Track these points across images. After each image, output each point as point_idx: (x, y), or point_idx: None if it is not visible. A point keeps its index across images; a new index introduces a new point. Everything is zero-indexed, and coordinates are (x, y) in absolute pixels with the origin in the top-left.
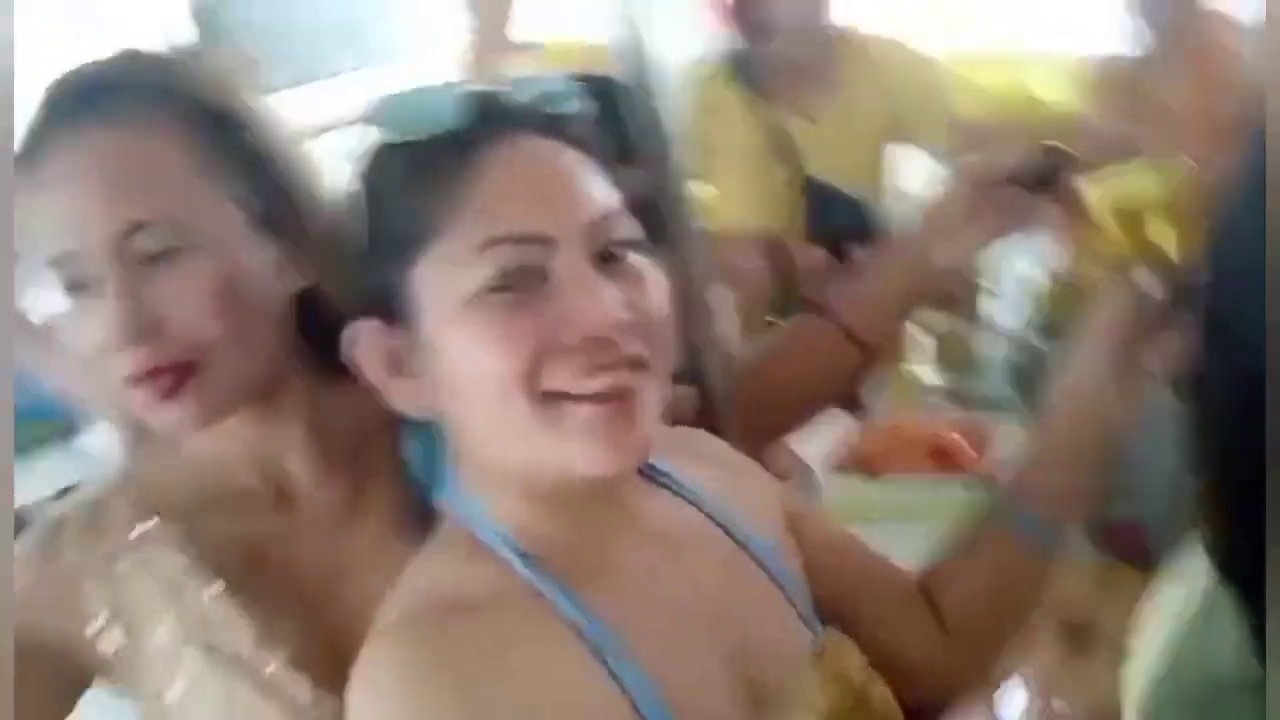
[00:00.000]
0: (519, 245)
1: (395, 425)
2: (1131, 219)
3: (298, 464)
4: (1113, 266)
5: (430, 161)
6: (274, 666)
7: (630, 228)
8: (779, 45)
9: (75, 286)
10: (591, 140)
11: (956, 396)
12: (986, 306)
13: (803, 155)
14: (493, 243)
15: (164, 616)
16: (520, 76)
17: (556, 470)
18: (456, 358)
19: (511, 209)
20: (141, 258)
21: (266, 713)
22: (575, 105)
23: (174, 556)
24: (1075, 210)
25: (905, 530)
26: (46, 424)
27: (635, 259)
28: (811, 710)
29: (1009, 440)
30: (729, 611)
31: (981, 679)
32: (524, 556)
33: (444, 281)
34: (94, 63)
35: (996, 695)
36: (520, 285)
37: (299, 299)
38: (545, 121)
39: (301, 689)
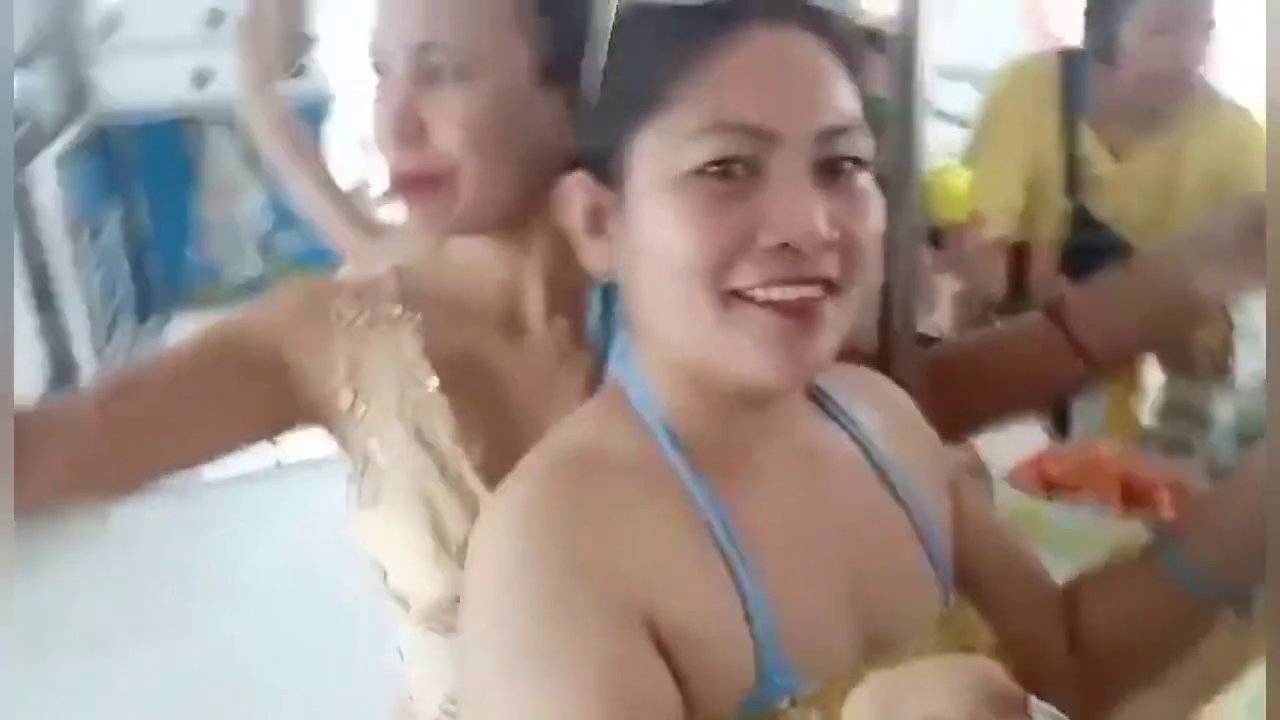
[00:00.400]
0: (742, 135)
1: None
2: None
3: (533, 298)
4: None
5: (681, 30)
6: (464, 465)
7: (863, 145)
8: (1135, 83)
9: (381, 74)
10: (849, 44)
11: (1174, 448)
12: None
13: (1092, 189)
14: (718, 127)
15: (389, 393)
16: None
17: (723, 370)
18: (653, 232)
19: (745, 97)
20: (428, 72)
21: (448, 501)
22: (841, 2)
23: (415, 342)
24: None
25: (1066, 558)
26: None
27: (859, 179)
28: None
29: None
30: (862, 549)
31: (1093, 714)
32: (673, 438)
33: (661, 154)
34: None
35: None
36: (734, 176)
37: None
38: (806, 14)
39: (480, 490)
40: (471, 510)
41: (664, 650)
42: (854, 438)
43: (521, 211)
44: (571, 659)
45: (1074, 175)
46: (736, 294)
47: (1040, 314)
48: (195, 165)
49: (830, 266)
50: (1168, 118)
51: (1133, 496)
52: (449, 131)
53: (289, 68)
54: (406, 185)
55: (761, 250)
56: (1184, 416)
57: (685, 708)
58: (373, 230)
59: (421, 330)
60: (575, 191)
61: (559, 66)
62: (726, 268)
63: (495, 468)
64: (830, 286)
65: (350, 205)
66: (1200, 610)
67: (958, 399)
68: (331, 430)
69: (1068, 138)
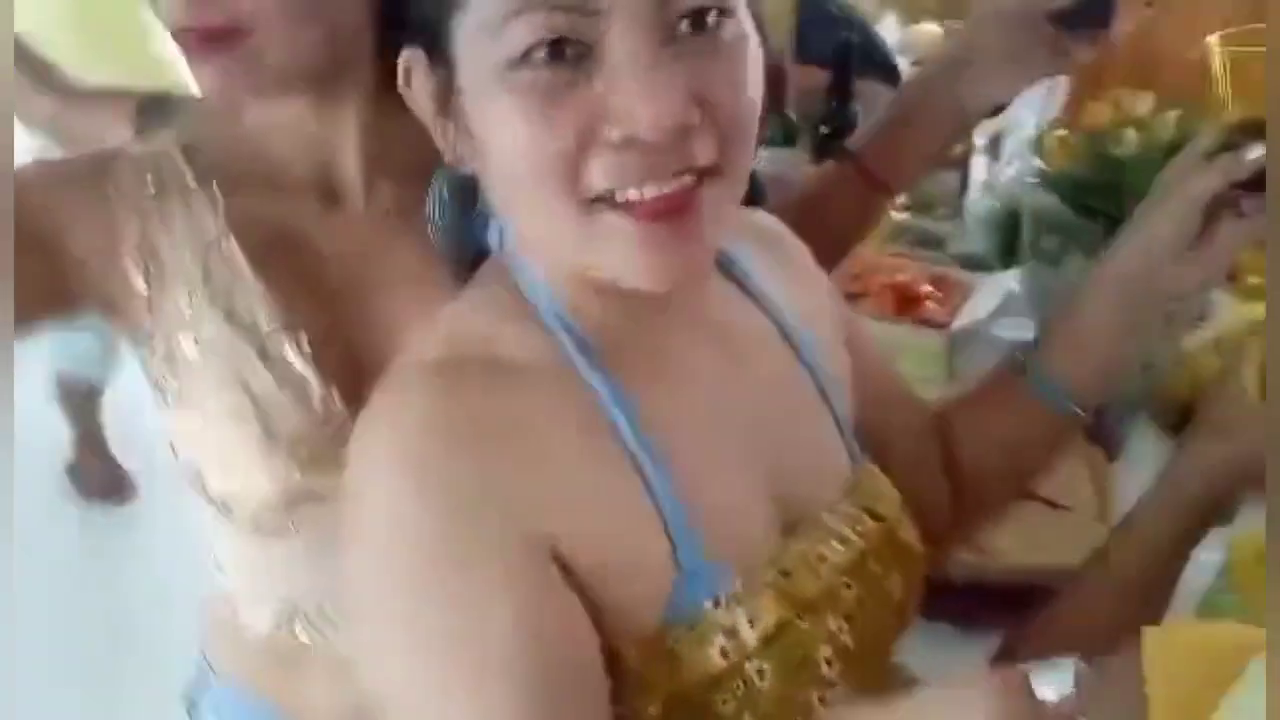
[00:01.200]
0: (561, 11)
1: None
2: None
3: (349, 166)
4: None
5: None
6: (290, 352)
7: None
8: None
9: None
10: None
11: (927, 241)
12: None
13: None
14: (528, 6)
15: (191, 270)
16: None
17: (602, 274)
18: (488, 131)
19: None
20: None
21: (272, 388)
22: None
23: (214, 219)
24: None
25: None
26: None
27: (726, 28)
28: (840, 541)
29: (986, 294)
30: (775, 427)
31: (969, 536)
32: (573, 335)
33: (479, 40)
34: None
35: (1037, 668)
36: (564, 59)
37: (388, 13)
38: None
39: (313, 382)
40: (300, 397)
41: (577, 577)
42: (762, 309)
43: (331, 66)
44: (479, 608)
45: None
46: (597, 199)
47: (834, 164)
48: None
49: (701, 152)
50: None
51: (904, 301)
52: None
53: None
54: (199, 43)
55: (608, 147)
56: (931, 206)
57: (603, 631)
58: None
59: (221, 202)
60: (415, 71)
61: None
62: (573, 171)
63: (321, 352)
64: (706, 172)
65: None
66: (1062, 423)
67: None
68: (124, 320)
69: None
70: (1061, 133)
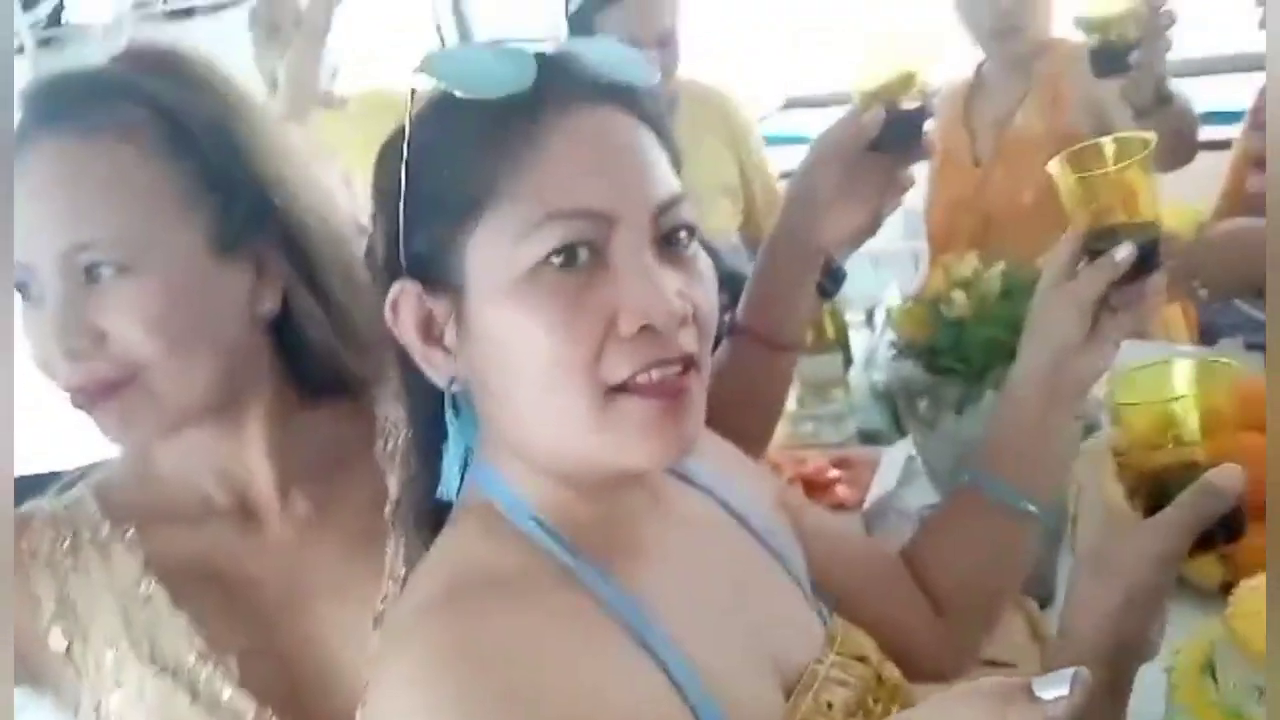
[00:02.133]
0: (582, 220)
1: (368, 448)
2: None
3: (262, 482)
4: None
5: (498, 122)
6: (219, 683)
7: (692, 214)
8: None
9: (29, 296)
10: (663, 119)
11: (824, 421)
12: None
13: None
14: (554, 216)
15: (111, 620)
16: (593, 42)
17: (605, 462)
18: (509, 335)
19: (577, 181)
20: (87, 274)
21: None
22: (650, 79)
23: (130, 561)
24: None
25: None
26: None
27: (693, 247)
28: (841, 687)
29: (888, 467)
30: (750, 596)
31: (973, 653)
32: (558, 539)
33: (498, 253)
34: (82, 68)
35: (1041, 677)
36: (578, 264)
37: (278, 319)
38: (618, 94)
39: (247, 709)
40: None
41: None
42: (701, 488)
43: (227, 392)
44: None
45: None
46: (610, 389)
47: (727, 338)
48: None
49: (689, 341)
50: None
51: (813, 491)
52: (125, 330)
53: None
54: (94, 397)
55: (624, 339)
56: (822, 390)
57: None
58: None
59: (138, 544)
60: (405, 303)
61: (239, 234)
62: (595, 364)
63: (257, 678)
64: (690, 363)
65: None
66: (1020, 522)
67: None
68: (50, 686)
69: None
70: (907, 304)
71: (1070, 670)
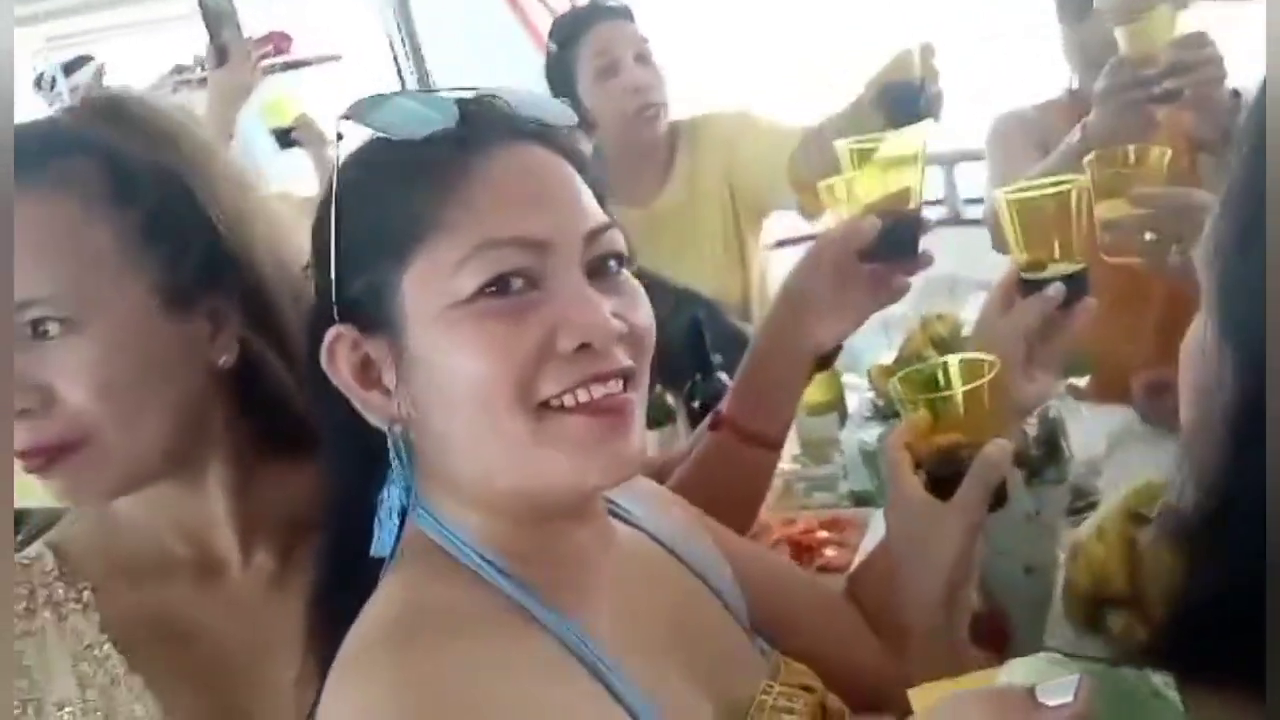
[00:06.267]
0: (514, 249)
1: (329, 500)
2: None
3: (223, 536)
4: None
5: (425, 162)
6: None
7: (622, 242)
8: (613, 136)
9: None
10: (583, 157)
11: (820, 483)
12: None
13: (638, 252)
14: (488, 245)
15: (65, 683)
16: (515, 89)
17: (548, 484)
18: (445, 364)
19: (507, 212)
20: (33, 330)
21: None
22: (569, 119)
23: (88, 622)
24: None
25: None
26: None
27: (626, 275)
28: (789, 715)
29: (878, 528)
30: (695, 629)
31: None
32: (503, 572)
33: (436, 284)
34: (34, 122)
35: (1045, 683)
36: (513, 291)
37: (236, 371)
38: (540, 132)
39: None
40: None
41: None
42: (638, 527)
43: (185, 446)
44: None
45: None
46: (546, 405)
47: (709, 432)
48: None
49: (625, 357)
50: (663, 153)
51: (800, 553)
52: (74, 390)
53: None
54: (42, 461)
55: (561, 356)
56: (820, 451)
57: None
58: None
59: (95, 605)
60: (340, 347)
61: (191, 286)
62: (531, 382)
63: None
64: (630, 378)
65: None
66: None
67: None
68: None
69: None
70: (883, 364)
71: (1074, 677)
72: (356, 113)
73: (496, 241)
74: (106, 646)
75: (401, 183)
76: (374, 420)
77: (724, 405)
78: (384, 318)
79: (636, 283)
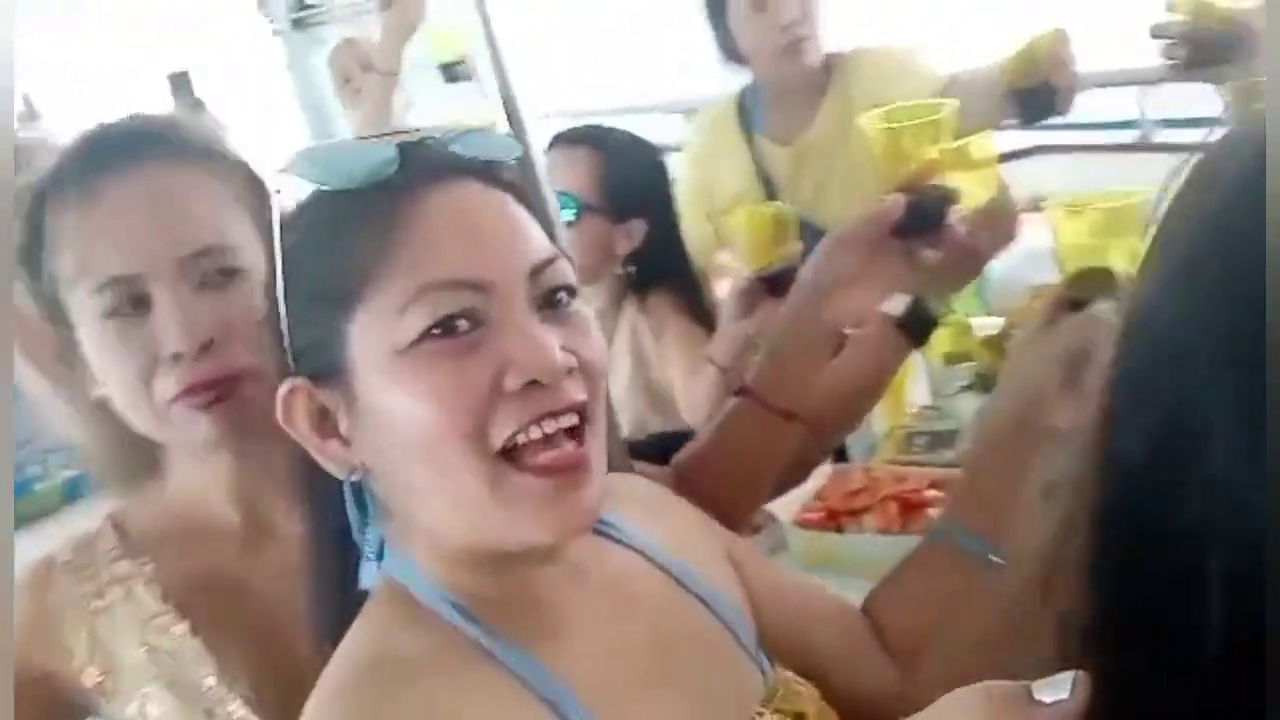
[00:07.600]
0: (456, 291)
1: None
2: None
3: (274, 500)
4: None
5: (364, 210)
6: (233, 704)
7: (569, 274)
8: (765, 69)
9: (127, 309)
10: (526, 189)
11: (940, 440)
12: None
13: (783, 190)
14: (428, 289)
15: (136, 654)
16: (451, 126)
17: (504, 541)
18: (395, 410)
19: (447, 255)
20: (201, 281)
21: None
22: (508, 153)
23: (151, 594)
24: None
25: (866, 584)
26: None
27: (575, 307)
28: None
29: None
30: (680, 655)
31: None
32: (470, 616)
33: (381, 332)
34: (142, 115)
35: (1041, 681)
36: (458, 332)
37: None
38: (479, 169)
39: None
40: None
41: None
42: (629, 547)
43: None
44: None
45: (770, 191)
46: (505, 458)
47: (735, 399)
48: None
49: (577, 391)
50: (814, 90)
51: (908, 511)
52: (242, 332)
53: None
54: (199, 396)
55: (510, 395)
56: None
57: None
58: None
59: (157, 578)
60: (295, 399)
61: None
62: (483, 423)
63: (265, 693)
64: (583, 412)
65: None
66: (989, 569)
67: (714, 506)
68: (97, 713)
69: (755, 159)
70: (993, 330)
71: (1070, 674)
72: (293, 166)
73: (436, 284)
74: (169, 615)
75: (342, 233)
76: (333, 471)
77: (749, 375)
78: (335, 368)
79: (588, 313)
